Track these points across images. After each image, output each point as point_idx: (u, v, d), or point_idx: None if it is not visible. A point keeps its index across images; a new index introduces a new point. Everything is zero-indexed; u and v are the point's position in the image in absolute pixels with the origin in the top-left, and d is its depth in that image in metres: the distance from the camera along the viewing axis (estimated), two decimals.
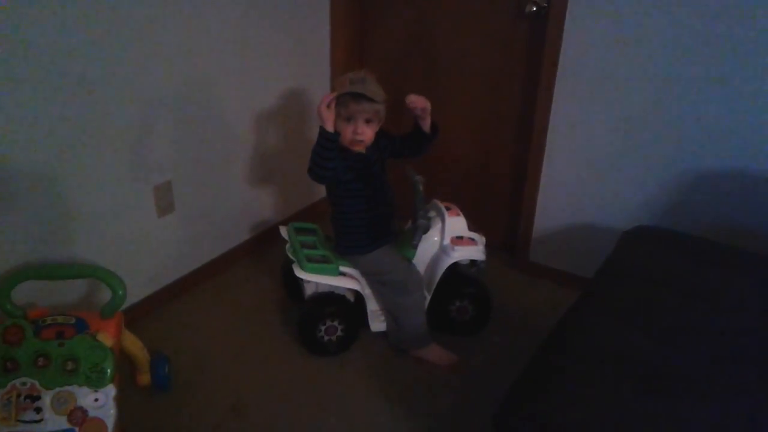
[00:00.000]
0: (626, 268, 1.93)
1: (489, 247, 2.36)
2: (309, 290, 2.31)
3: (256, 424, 1.98)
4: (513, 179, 2.86)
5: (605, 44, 2.31)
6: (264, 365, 2.23)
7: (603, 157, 2.48)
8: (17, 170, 1.88)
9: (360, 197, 2.17)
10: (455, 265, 2.29)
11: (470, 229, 2.33)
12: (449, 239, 2.30)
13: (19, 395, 1.64)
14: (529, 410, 1.41)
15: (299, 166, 3.06)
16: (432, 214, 2.33)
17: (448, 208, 2.33)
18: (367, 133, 2.08)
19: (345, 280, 2.25)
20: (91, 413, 1.66)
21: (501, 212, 2.97)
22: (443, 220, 2.30)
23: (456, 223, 2.31)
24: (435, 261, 2.32)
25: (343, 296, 2.30)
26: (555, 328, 1.69)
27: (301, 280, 2.23)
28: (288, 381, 2.16)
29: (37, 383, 1.65)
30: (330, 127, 1.98)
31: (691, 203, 2.35)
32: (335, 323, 2.25)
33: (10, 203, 1.89)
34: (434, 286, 2.29)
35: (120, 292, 1.79)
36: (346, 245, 2.25)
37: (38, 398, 1.64)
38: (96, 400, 1.67)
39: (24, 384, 1.64)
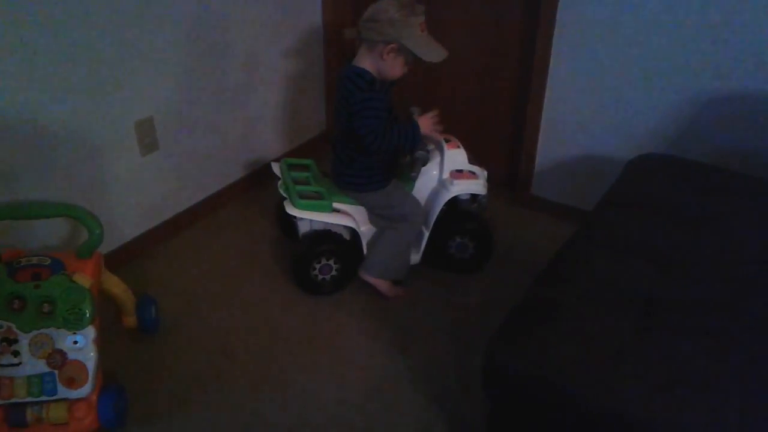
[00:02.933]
0: (628, 197, 1.84)
1: (490, 182, 2.27)
2: (303, 228, 2.23)
3: (244, 365, 1.94)
4: (514, 111, 2.74)
5: None
6: (255, 306, 2.18)
7: (607, 84, 2.36)
8: None
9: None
10: (455, 200, 2.21)
11: (471, 162, 2.24)
12: (448, 173, 2.21)
13: None
14: (520, 346, 1.34)
15: (294, 102, 2.99)
16: (431, 146, 2.23)
17: (447, 141, 2.23)
18: None
19: (338, 217, 2.16)
20: (71, 356, 1.61)
21: (502, 146, 2.87)
22: (442, 153, 2.20)
23: (455, 156, 2.22)
24: (434, 195, 2.24)
25: (339, 234, 2.21)
26: (551, 261, 1.60)
27: (294, 217, 2.15)
28: (279, 322, 2.11)
29: (13, 326, 1.59)
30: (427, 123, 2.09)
31: (699, 129, 2.24)
32: (330, 262, 2.18)
33: None
34: (432, 222, 2.21)
35: (97, 231, 1.71)
36: (360, 183, 2.14)
37: (15, 341, 1.59)
38: (75, 342, 1.61)
39: (0, 327, 1.59)
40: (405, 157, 2.23)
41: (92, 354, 1.62)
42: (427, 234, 2.24)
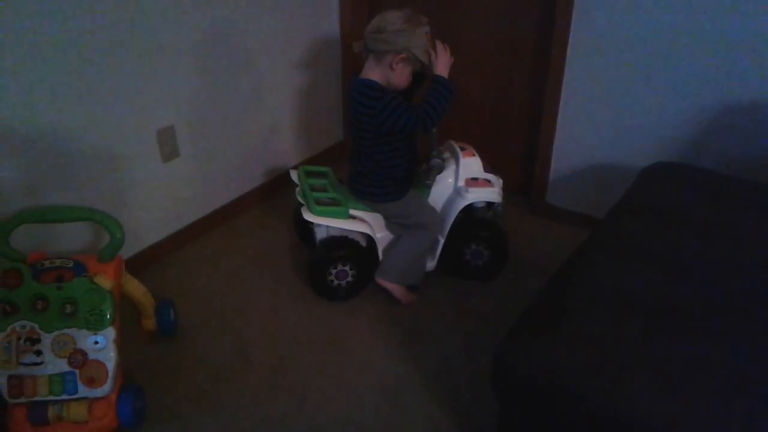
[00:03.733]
0: (640, 204, 1.85)
1: (505, 190, 2.28)
2: (320, 234, 2.26)
3: (261, 367, 1.98)
4: (529, 119, 2.76)
5: None
6: (272, 310, 2.22)
7: (621, 93, 2.37)
8: (18, 118, 1.86)
9: (402, 148, 2.10)
10: (470, 208, 2.24)
11: (486, 170, 2.26)
12: (464, 181, 2.23)
13: (18, 338, 1.63)
14: (529, 349, 1.36)
15: (312, 111, 3.03)
16: (446, 155, 2.25)
17: (463, 149, 2.26)
18: None
19: (355, 224, 2.18)
20: (91, 356, 1.65)
21: (517, 154, 2.88)
22: (457, 161, 2.23)
23: (471, 164, 2.24)
24: (449, 203, 2.26)
25: (356, 241, 2.24)
26: (562, 266, 1.62)
27: (311, 223, 2.19)
28: (296, 326, 2.14)
29: (36, 326, 1.63)
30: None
31: (712, 138, 2.24)
32: (346, 268, 2.21)
33: (10, 151, 1.87)
34: (448, 229, 2.24)
35: (118, 236, 1.76)
36: (378, 194, 2.15)
37: (38, 341, 1.63)
38: (96, 342, 1.65)
39: (23, 327, 1.63)
40: (421, 165, 2.26)
41: (112, 354, 1.66)
42: (442, 241, 2.26)
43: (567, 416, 1.29)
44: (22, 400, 1.63)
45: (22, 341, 1.63)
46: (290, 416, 1.81)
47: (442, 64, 1.98)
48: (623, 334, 1.35)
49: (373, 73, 1.98)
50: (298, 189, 2.31)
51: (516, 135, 2.85)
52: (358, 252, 2.23)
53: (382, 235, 2.26)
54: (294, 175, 2.37)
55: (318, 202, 2.18)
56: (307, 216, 2.16)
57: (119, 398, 1.70)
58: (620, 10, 2.24)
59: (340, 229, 2.20)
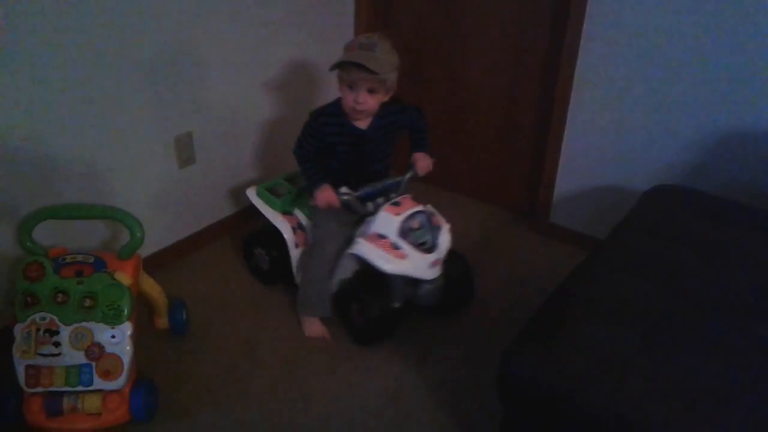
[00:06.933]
0: (642, 224, 1.91)
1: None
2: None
3: (269, 368, 2.03)
4: (535, 139, 2.82)
5: None
6: (279, 313, 2.27)
7: (625, 117, 2.43)
8: (43, 124, 1.94)
9: (342, 162, 2.08)
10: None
11: (407, 236, 1.97)
12: (372, 231, 2.01)
13: (38, 329, 1.68)
14: (534, 355, 1.41)
15: None
16: (380, 200, 2.05)
17: (396, 203, 2.01)
18: (369, 103, 1.96)
19: (278, 218, 2.24)
20: (108, 349, 1.70)
21: (522, 173, 2.94)
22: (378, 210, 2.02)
23: (386, 221, 1.98)
24: (347, 244, 2.10)
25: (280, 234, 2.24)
26: (565, 280, 1.68)
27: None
28: (303, 329, 2.19)
29: (56, 318, 1.69)
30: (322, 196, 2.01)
31: (713, 164, 2.30)
32: (263, 252, 2.35)
33: (32, 155, 1.94)
34: (335, 267, 2.11)
35: (138, 234, 1.82)
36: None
37: (57, 333, 1.68)
38: (113, 336, 1.70)
39: (43, 319, 1.68)
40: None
41: (128, 348, 1.71)
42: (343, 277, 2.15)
43: (568, 421, 1.34)
44: (39, 389, 1.68)
45: (41, 332, 1.68)
46: (297, 417, 1.86)
47: (324, 197, 2.00)
48: (624, 343, 1.41)
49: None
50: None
51: (522, 155, 2.91)
52: (275, 240, 2.26)
53: (294, 241, 2.23)
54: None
55: (269, 189, 2.32)
56: (249, 192, 2.33)
57: (132, 392, 1.74)
58: (626, 36, 2.30)
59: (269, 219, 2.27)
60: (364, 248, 1.97)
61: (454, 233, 2.11)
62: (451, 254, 2.11)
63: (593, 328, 1.45)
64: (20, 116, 1.88)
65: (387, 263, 1.93)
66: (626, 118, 2.43)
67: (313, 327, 2.17)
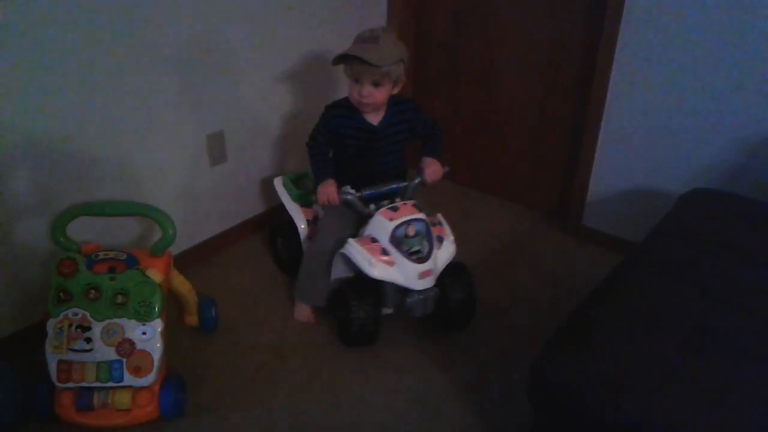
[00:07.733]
0: (679, 228, 1.87)
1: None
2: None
3: (297, 367, 2.03)
4: (570, 140, 2.78)
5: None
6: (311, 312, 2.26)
7: (662, 119, 2.38)
8: (79, 125, 1.96)
9: (352, 156, 2.10)
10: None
11: (398, 244, 1.93)
12: (366, 234, 2.00)
13: (70, 325, 1.69)
14: (565, 362, 1.38)
15: None
16: (385, 202, 2.01)
17: (394, 208, 1.97)
18: (374, 95, 1.96)
19: (294, 208, 2.33)
20: (139, 346, 1.71)
21: (555, 174, 2.91)
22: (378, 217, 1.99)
23: (380, 225, 1.96)
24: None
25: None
26: (599, 285, 1.65)
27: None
28: (332, 329, 2.18)
29: (88, 314, 1.70)
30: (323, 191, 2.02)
31: (752, 168, 2.25)
32: (283, 241, 2.43)
33: (69, 154, 1.96)
34: (335, 267, 2.10)
35: (170, 232, 1.83)
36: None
37: (89, 329, 1.70)
38: (144, 333, 1.71)
39: (76, 314, 1.70)
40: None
41: (158, 345, 1.72)
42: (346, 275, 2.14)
43: (601, 427, 1.31)
44: (70, 385, 1.69)
45: (73, 328, 1.70)
46: (323, 415, 1.85)
47: (325, 192, 2.02)
48: (660, 350, 1.37)
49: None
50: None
51: (555, 156, 2.88)
52: (291, 230, 2.34)
53: (306, 232, 2.31)
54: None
55: (293, 181, 2.42)
56: (276, 180, 2.43)
57: (162, 389, 1.75)
58: (664, 41, 2.27)
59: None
60: (353, 249, 1.95)
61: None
62: (456, 269, 2.07)
63: (630, 334, 1.42)
64: (60, 117, 1.91)
65: (372, 268, 1.92)
66: (663, 120, 2.38)
67: (302, 312, 2.22)
